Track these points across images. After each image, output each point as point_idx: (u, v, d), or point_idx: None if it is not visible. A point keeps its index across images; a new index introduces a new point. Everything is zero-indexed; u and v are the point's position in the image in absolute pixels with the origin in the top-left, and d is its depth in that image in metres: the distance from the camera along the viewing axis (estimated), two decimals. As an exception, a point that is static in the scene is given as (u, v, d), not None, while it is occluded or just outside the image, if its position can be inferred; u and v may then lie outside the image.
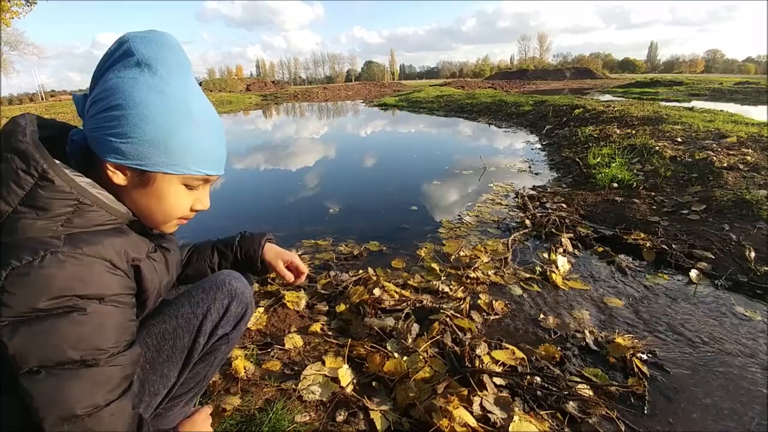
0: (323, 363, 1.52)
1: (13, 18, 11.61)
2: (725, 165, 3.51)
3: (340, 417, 1.28)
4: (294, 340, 1.65)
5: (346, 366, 1.48)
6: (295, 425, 1.23)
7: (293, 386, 1.40)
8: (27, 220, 0.59)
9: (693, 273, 2.19)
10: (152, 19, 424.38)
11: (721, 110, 7.65)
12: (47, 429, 0.59)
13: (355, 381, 1.45)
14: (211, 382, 1.38)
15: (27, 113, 0.67)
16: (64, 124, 0.74)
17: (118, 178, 0.67)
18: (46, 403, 0.58)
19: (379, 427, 1.25)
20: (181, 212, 0.76)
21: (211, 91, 32.00)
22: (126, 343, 0.66)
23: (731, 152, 3.87)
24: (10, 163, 0.59)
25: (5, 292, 0.54)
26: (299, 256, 2.60)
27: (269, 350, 1.62)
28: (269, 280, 2.22)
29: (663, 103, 9.88)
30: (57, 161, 0.63)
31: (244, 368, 1.46)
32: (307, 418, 1.28)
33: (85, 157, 0.67)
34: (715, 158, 3.68)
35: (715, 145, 4.20)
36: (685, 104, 10.94)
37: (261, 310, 1.89)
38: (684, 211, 2.95)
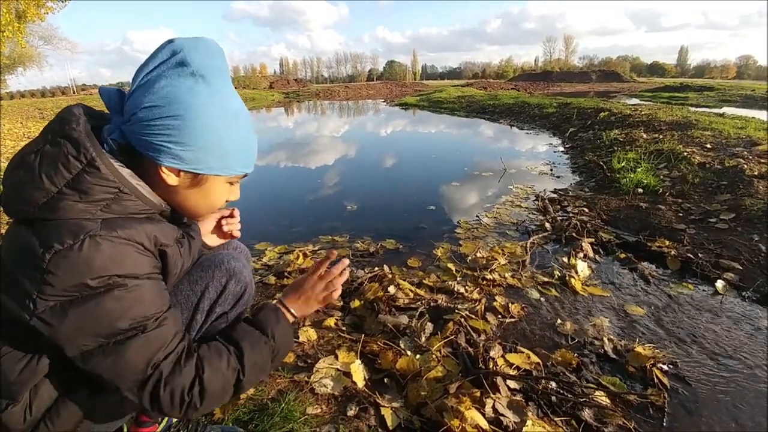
0: (336, 357, 1.52)
1: (47, 13, 12.01)
2: (756, 173, 3.38)
3: (351, 411, 1.28)
4: (308, 334, 1.67)
5: (358, 361, 1.48)
6: (306, 417, 1.24)
7: (306, 378, 1.41)
8: (69, 202, 0.62)
9: (719, 284, 2.12)
10: (181, 19, 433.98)
11: (753, 117, 7.37)
12: (130, 396, 0.66)
13: (367, 377, 1.45)
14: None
15: (80, 103, 0.71)
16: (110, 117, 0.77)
17: (171, 180, 0.71)
18: (116, 376, 0.65)
19: (389, 423, 1.25)
20: (221, 205, 0.82)
21: (235, 88, 32.52)
22: (166, 307, 0.71)
23: (763, 160, 3.72)
24: (62, 147, 0.62)
25: (50, 273, 0.58)
26: (316, 251, 2.63)
27: (283, 342, 1.63)
28: (286, 274, 2.24)
29: (693, 109, 9.57)
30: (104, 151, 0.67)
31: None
32: (319, 410, 1.28)
33: (123, 152, 0.70)
34: (745, 166, 3.55)
35: (746, 152, 4.05)
36: (716, 110, 10.57)
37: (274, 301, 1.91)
38: (712, 220, 2.85)
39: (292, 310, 0.93)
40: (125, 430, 0.97)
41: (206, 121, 0.68)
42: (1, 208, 0.63)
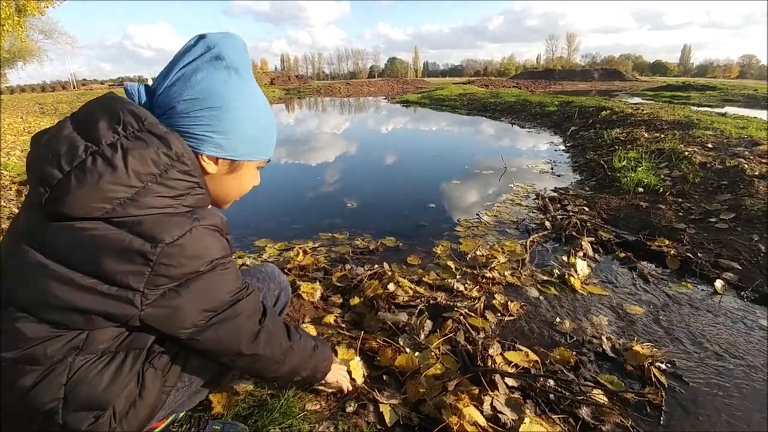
0: (336, 354, 1.53)
1: (48, 7, 11.95)
2: (757, 173, 3.38)
3: (350, 408, 1.29)
4: (308, 330, 1.67)
5: (357, 358, 1.49)
6: (305, 413, 1.25)
7: (305, 375, 1.41)
8: (157, 197, 0.65)
9: (718, 283, 2.12)
10: (181, 14, 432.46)
11: (755, 117, 7.36)
12: (247, 352, 0.78)
13: (366, 373, 1.45)
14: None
15: (124, 98, 0.72)
16: None
17: (211, 168, 0.75)
18: (233, 339, 0.76)
19: (388, 420, 1.26)
20: (249, 190, 0.88)
21: (235, 83, 32.41)
22: (243, 281, 0.80)
23: (763, 160, 3.72)
24: (151, 144, 0.64)
25: (161, 265, 0.62)
26: (316, 248, 2.64)
27: (283, 339, 1.64)
28: (286, 271, 2.25)
29: (695, 108, 9.56)
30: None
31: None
32: (318, 406, 1.29)
33: None
34: (746, 166, 3.54)
35: (747, 152, 4.05)
36: (718, 110, 10.54)
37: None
38: (712, 220, 2.85)
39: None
40: None
41: (242, 111, 0.73)
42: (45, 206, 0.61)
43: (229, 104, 0.71)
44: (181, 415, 1.05)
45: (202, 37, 0.71)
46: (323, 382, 1.18)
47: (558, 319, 1.85)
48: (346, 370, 1.31)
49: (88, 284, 0.61)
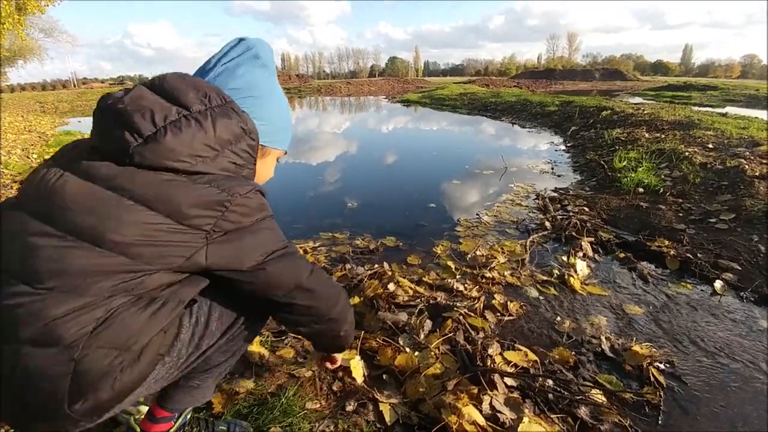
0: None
1: (48, 5, 11.94)
2: (757, 174, 3.38)
3: (350, 407, 1.30)
4: (308, 330, 1.68)
5: (357, 357, 1.50)
6: (305, 411, 1.25)
7: (305, 373, 1.42)
8: (227, 162, 0.76)
9: (717, 284, 2.13)
10: (181, 12, 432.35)
11: (756, 117, 7.36)
12: (307, 285, 0.82)
13: (366, 373, 1.46)
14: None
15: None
16: None
17: None
18: (294, 271, 0.81)
19: (387, 419, 1.26)
20: (270, 177, 0.97)
21: (236, 82, 32.42)
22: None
23: (764, 161, 3.72)
24: (234, 119, 0.76)
25: (233, 212, 0.72)
26: (316, 248, 2.65)
27: (283, 338, 1.65)
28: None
29: (696, 108, 9.55)
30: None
31: (259, 354, 1.50)
32: (318, 405, 1.30)
33: None
34: (747, 166, 3.55)
35: (747, 152, 4.05)
36: (719, 110, 10.53)
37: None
38: (712, 220, 2.86)
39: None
40: (138, 430, 0.99)
41: (275, 103, 0.88)
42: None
43: (267, 95, 0.85)
44: (189, 416, 1.06)
45: (242, 39, 0.86)
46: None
47: (557, 319, 1.86)
48: None
49: (162, 221, 0.66)
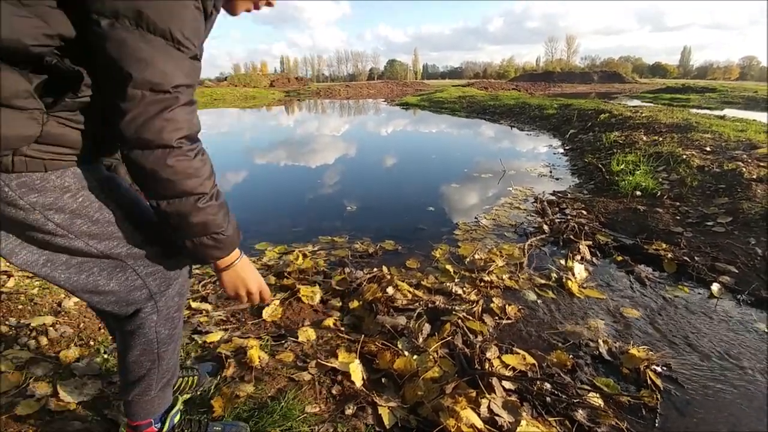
0: (336, 357, 1.55)
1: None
2: (755, 177, 3.40)
3: (349, 410, 1.31)
4: (307, 334, 1.69)
5: (357, 361, 1.51)
6: (305, 415, 1.26)
7: (305, 377, 1.43)
8: None
9: (714, 287, 2.14)
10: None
11: (755, 120, 7.38)
12: (129, 90, 0.62)
13: (365, 376, 1.47)
14: (226, 369, 1.43)
15: None
16: None
17: None
18: (135, 61, 0.62)
19: (386, 422, 1.27)
20: None
21: (236, 86, 32.52)
22: (194, 52, 0.70)
23: (762, 163, 3.74)
24: None
25: None
26: (315, 252, 2.66)
27: (283, 342, 1.66)
28: (285, 274, 2.27)
29: (694, 111, 9.60)
30: None
31: (259, 358, 1.51)
32: (317, 409, 1.31)
33: None
34: (744, 169, 3.57)
35: (745, 155, 4.07)
36: (717, 112, 10.58)
37: (277, 302, 1.94)
38: (709, 223, 2.87)
39: (231, 253, 0.84)
40: None
41: None
42: None
43: None
44: (177, 419, 1.06)
45: None
46: (220, 267, 0.85)
47: (555, 323, 1.87)
48: (260, 277, 0.93)
49: None
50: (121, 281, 0.81)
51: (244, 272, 0.88)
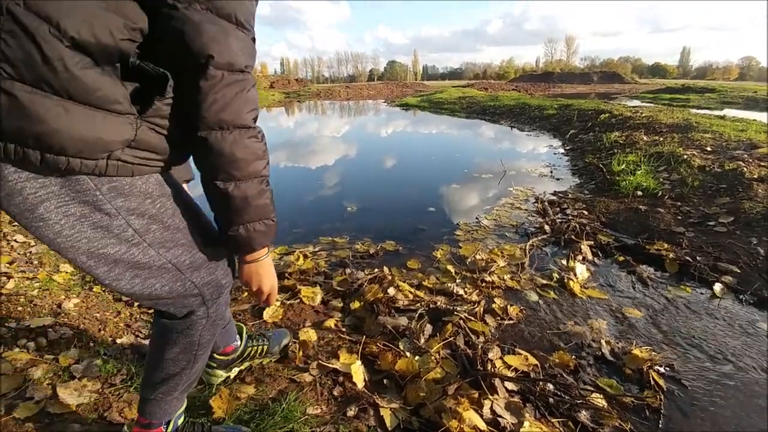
0: (338, 358, 1.54)
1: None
2: (756, 176, 3.39)
3: (351, 412, 1.30)
4: (308, 335, 1.68)
5: (358, 362, 1.50)
6: (306, 417, 1.25)
7: (306, 379, 1.42)
8: None
9: (717, 287, 2.13)
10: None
11: (755, 120, 7.38)
12: (211, 70, 0.65)
13: (366, 377, 1.46)
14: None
15: None
16: None
17: None
18: (213, 42, 0.64)
19: (388, 424, 1.26)
20: None
21: (236, 86, 32.35)
22: (253, 34, 0.73)
23: (763, 163, 3.74)
24: None
25: None
26: (316, 252, 2.65)
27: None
28: (286, 275, 2.26)
29: (694, 111, 9.58)
30: None
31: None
32: (319, 410, 1.30)
33: None
34: (745, 169, 3.56)
35: (746, 155, 4.06)
36: (717, 112, 10.58)
37: (278, 303, 1.93)
38: (711, 223, 2.86)
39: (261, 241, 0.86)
40: None
41: None
42: None
43: None
44: (181, 421, 1.06)
45: None
46: (246, 260, 0.88)
47: (557, 323, 1.86)
48: (276, 279, 0.96)
49: None
50: (179, 289, 0.83)
51: (265, 270, 0.91)
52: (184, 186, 1.03)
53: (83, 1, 0.57)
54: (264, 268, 0.90)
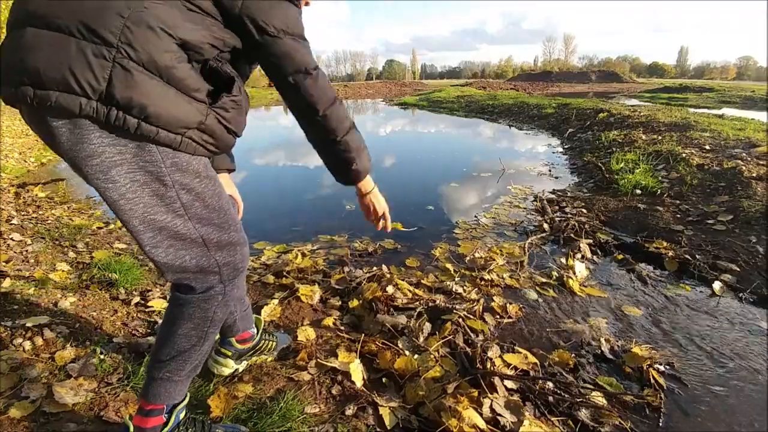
0: (336, 357, 1.53)
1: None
2: (754, 175, 3.40)
3: (350, 411, 1.29)
4: (307, 333, 1.67)
5: (357, 361, 1.49)
6: (304, 416, 1.24)
7: (304, 377, 1.41)
8: None
9: (716, 285, 2.13)
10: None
11: (753, 119, 7.39)
12: (291, 71, 0.89)
13: (365, 376, 1.45)
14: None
15: None
16: None
17: None
18: (292, 52, 0.88)
19: (387, 423, 1.25)
20: None
21: (234, 85, 32.32)
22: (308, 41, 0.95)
23: (761, 162, 3.74)
24: None
25: None
26: (314, 251, 2.64)
27: (282, 342, 1.63)
28: (284, 273, 2.25)
29: (692, 110, 9.59)
30: None
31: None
32: (317, 409, 1.29)
33: None
34: (744, 167, 3.56)
35: (744, 154, 4.07)
36: (715, 111, 10.60)
37: (275, 302, 1.92)
38: (710, 221, 2.86)
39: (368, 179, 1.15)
40: (131, 429, 0.97)
41: None
42: None
43: None
44: (182, 415, 1.05)
45: None
46: (362, 190, 1.16)
47: (557, 321, 1.86)
48: (385, 202, 1.23)
49: None
50: (204, 263, 0.92)
51: (377, 198, 1.19)
52: (227, 175, 1.24)
53: (190, 14, 0.77)
54: (376, 196, 1.18)
